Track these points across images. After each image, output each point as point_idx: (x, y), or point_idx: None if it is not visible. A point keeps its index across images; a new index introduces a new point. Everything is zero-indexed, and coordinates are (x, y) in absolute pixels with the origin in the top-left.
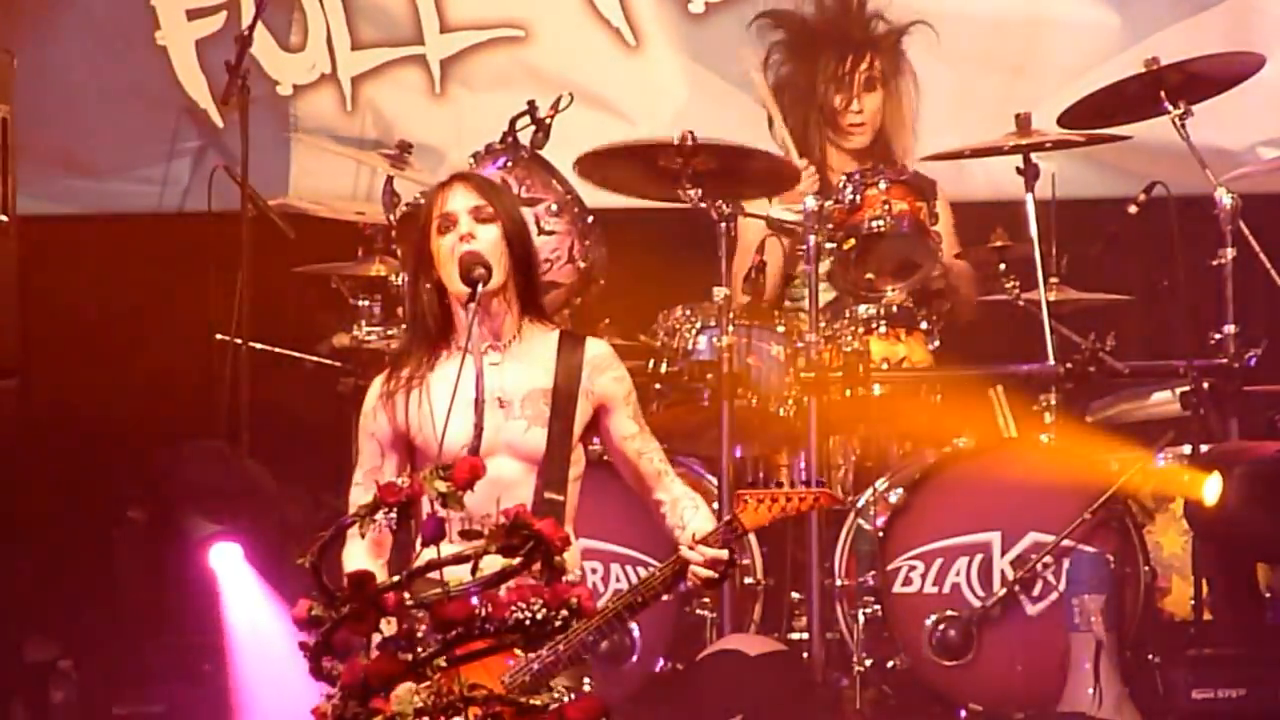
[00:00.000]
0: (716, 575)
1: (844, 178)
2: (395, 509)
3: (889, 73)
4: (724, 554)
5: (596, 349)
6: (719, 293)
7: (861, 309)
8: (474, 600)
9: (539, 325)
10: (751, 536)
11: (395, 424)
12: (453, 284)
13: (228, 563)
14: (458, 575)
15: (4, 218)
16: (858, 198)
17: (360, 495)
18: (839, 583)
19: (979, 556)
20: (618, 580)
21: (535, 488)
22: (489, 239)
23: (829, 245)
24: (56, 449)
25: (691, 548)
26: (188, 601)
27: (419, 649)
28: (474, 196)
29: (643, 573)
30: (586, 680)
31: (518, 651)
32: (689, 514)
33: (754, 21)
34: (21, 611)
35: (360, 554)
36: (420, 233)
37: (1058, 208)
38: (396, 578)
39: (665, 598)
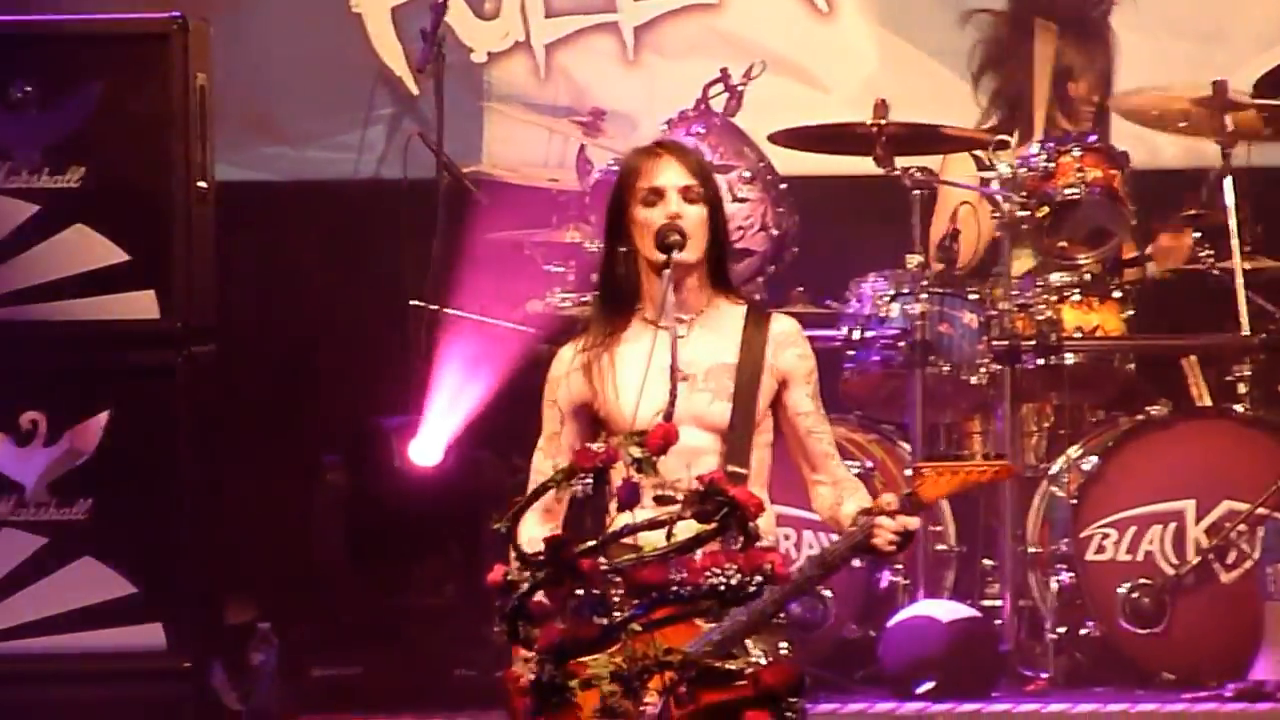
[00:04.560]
0: (899, 544)
1: (1038, 144)
2: (591, 474)
3: (1102, 50)
4: (915, 522)
5: (782, 325)
6: (912, 260)
7: (1055, 277)
8: (668, 565)
9: (727, 298)
10: (945, 502)
11: (580, 393)
12: (651, 253)
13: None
14: (652, 540)
15: (203, 184)
16: (1051, 165)
17: (539, 460)
18: (1031, 550)
19: (1173, 525)
20: (810, 547)
21: (720, 461)
22: (695, 219)
23: (1022, 213)
24: (254, 414)
25: (885, 513)
26: (383, 561)
27: (614, 614)
28: (685, 175)
29: (836, 539)
30: (784, 645)
31: (698, 623)
32: (851, 492)
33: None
34: (221, 574)
35: (533, 523)
36: (618, 197)
37: (1253, 176)
38: (592, 543)
39: (857, 563)
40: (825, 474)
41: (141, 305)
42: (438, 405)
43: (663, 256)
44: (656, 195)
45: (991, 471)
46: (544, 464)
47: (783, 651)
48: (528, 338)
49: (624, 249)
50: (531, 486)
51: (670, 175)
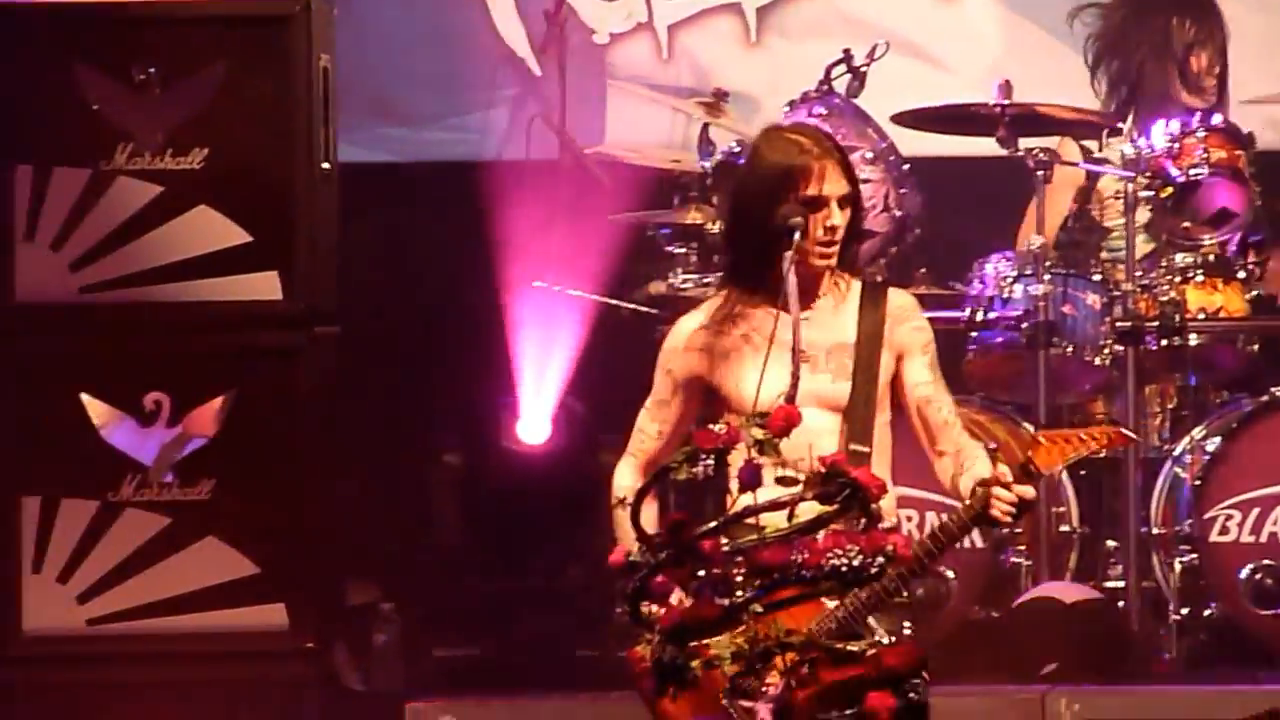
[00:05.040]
0: (1015, 514)
1: (1161, 124)
2: (712, 455)
3: (1217, 22)
4: (1030, 491)
5: (898, 299)
6: (1034, 240)
7: (1178, 257)
8: (790, 546)
9: (843, 277)
10: (1068, 484)
11: (697, 367)
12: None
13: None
14: (774, 522)
15: (326, 165)
16: (1175, 145)
17: (644, 420)
18: (1155, 531)
19: None
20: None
21: (841, 440)
22: (844, 223)
23: (1145, 193)
24: (374, 394)
25: (1001, 483)
26: (503, 542)
27: (735, 594)
28: (845, 184)
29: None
30: (907, 624)
31: (824, 601)
32: (971, 461)
33: None
34: (343, 555)
35: (626, 473)
36: (760, 179)
37: None
38: (714, 524)
39: (980, 544)
40: (947, 443)
41: (264, 286)
42: (547, 385)
43: (791, 242)
44: (818, 203)
45: (1106, 438)
46: (649, 425)
47: (906, 632)
48: (649, 319)
49: (756, 230)
50: (633, 443)
51: (834, 184)
